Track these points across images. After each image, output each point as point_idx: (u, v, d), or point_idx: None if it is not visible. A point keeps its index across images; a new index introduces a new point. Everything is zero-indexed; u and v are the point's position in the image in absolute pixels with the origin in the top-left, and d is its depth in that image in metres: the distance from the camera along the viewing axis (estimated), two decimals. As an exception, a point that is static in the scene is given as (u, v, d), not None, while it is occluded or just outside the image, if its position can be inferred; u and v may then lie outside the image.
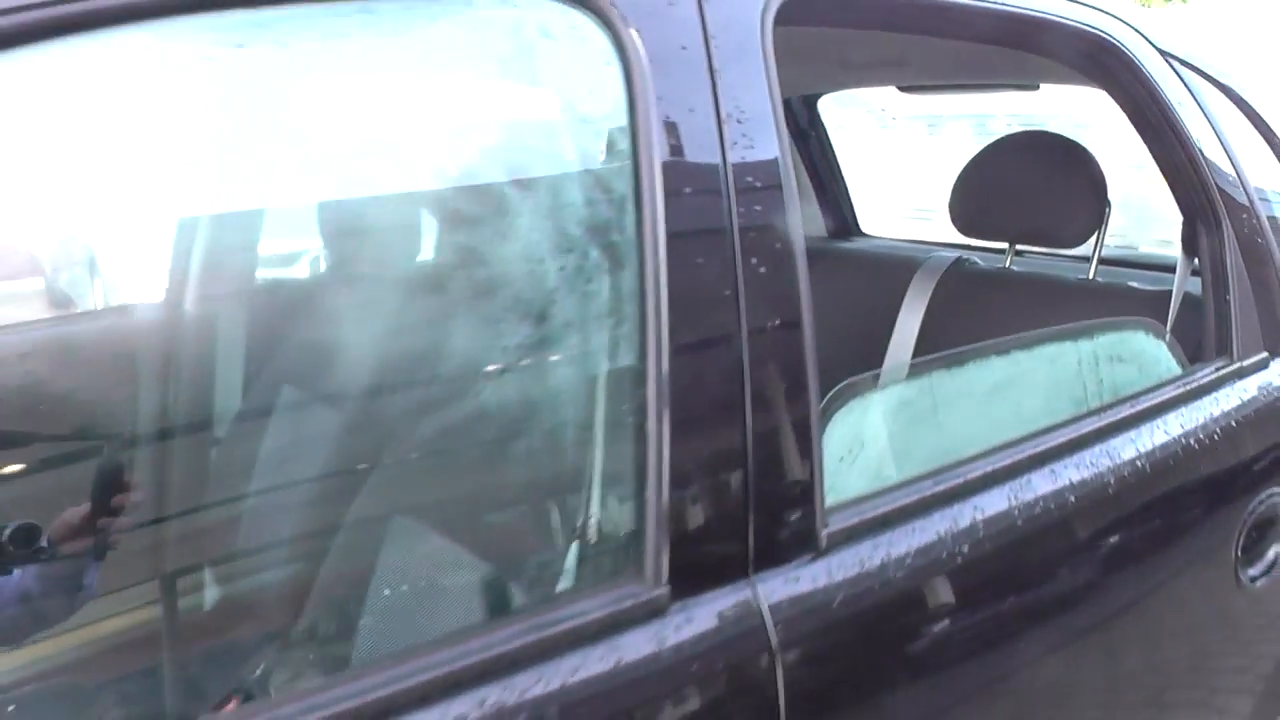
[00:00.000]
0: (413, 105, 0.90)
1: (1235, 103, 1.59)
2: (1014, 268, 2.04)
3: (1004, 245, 2.02)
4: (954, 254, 2.13)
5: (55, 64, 0.68)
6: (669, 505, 0.82)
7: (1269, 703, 1.42)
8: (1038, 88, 2.12)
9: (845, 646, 0.91)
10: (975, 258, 2.12)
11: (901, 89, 2.34)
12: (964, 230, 1.96)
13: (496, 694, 0.74)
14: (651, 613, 0.81)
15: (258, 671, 0.86)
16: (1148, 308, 1.59)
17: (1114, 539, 1.18)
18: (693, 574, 0.83)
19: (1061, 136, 1.81)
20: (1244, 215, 1.48)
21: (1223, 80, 1.57)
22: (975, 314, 1.95)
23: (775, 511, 0.88)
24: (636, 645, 0.79)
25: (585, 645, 0.78)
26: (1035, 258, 2.15)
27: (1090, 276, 1.88)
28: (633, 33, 0.85)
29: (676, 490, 0.82)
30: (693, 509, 0.83)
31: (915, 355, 1.96)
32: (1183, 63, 1.49)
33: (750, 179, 0.90)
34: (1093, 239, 1.84)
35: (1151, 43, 1.44)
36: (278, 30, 0.78)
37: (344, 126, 0.88)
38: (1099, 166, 1.76)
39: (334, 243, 1.05)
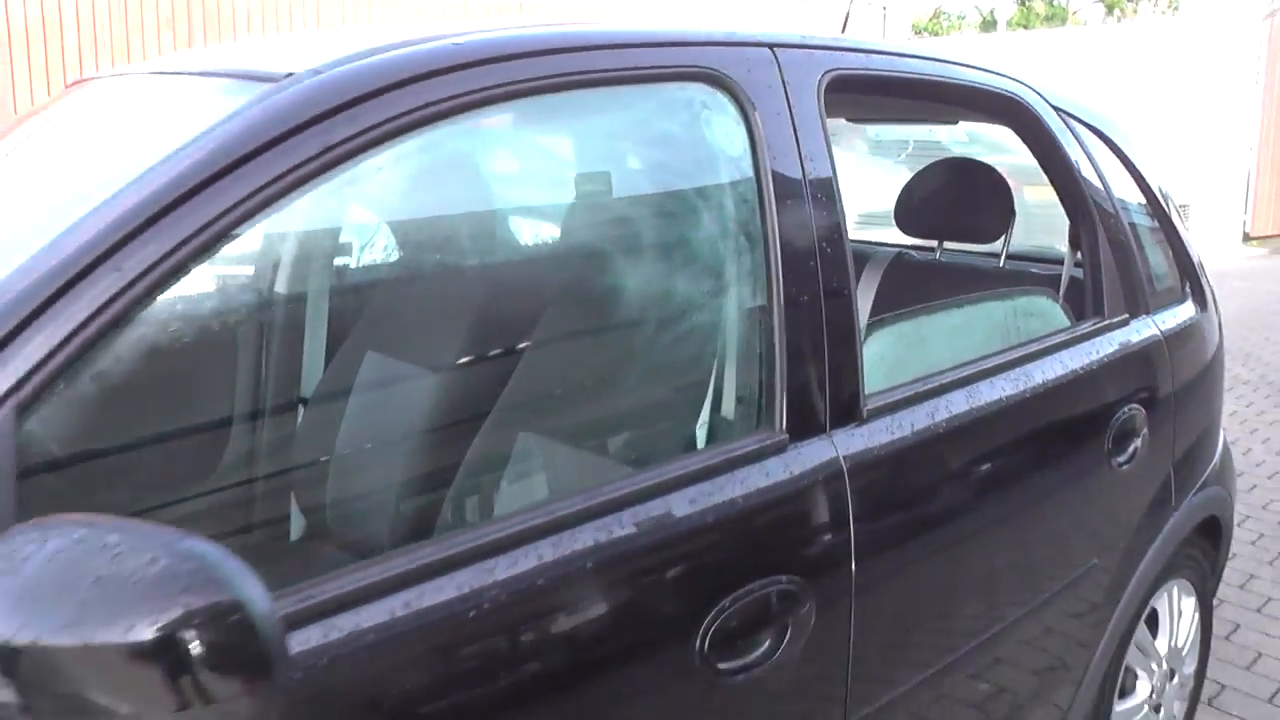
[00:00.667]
0: (637, 144, 1.47)
1: (1102, 139, 2.24)
2: (942, 259, 2.67)
3: (934, 243, 2.65)
4: (895, 250, 2.76)
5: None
6: (786, 390, 1.39)
7: (1131, 555, 2.06)
8: (956, 123, 2.76)
9: (881, 475, 1.49)
10: (912, 253, 2.75)
11: (850, 120, 2.97)
12: (904, 231, 2.57)
13: (704, 490, 1.29)
14: (779, 448, 1.37)
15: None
16: (1042, 286, 2.23)
17: (1030, 430, 1.80)
18: (798, 428, 1.40)
19: (979, 161, 2.43)
20: (1111, 220, 2.13)
21: (1093, 123, 2.22)
22: (913, 295, 2.57)
23: (840, 394, 1.46)
24: (774, 468, 1.36)
25: (748, 464, 1.34)
26: (958, 253, 2.78)
27: (1000, 265, 2.52)
28: (752, 103, 1.42)
29: (790, 381, 1.39)
30: (799, 392, 1.40)
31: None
32: (1068, 114, 2.13)
33: (817, 191, 1.48)
34: (1002, 238, 2.47)
35: (1046, 100, 2.08)
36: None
37: (613, 162, 1.44)
38: (1007, 184, 2.39)
39: (625, 230, 1.58)
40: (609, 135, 1.49)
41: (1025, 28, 32.21)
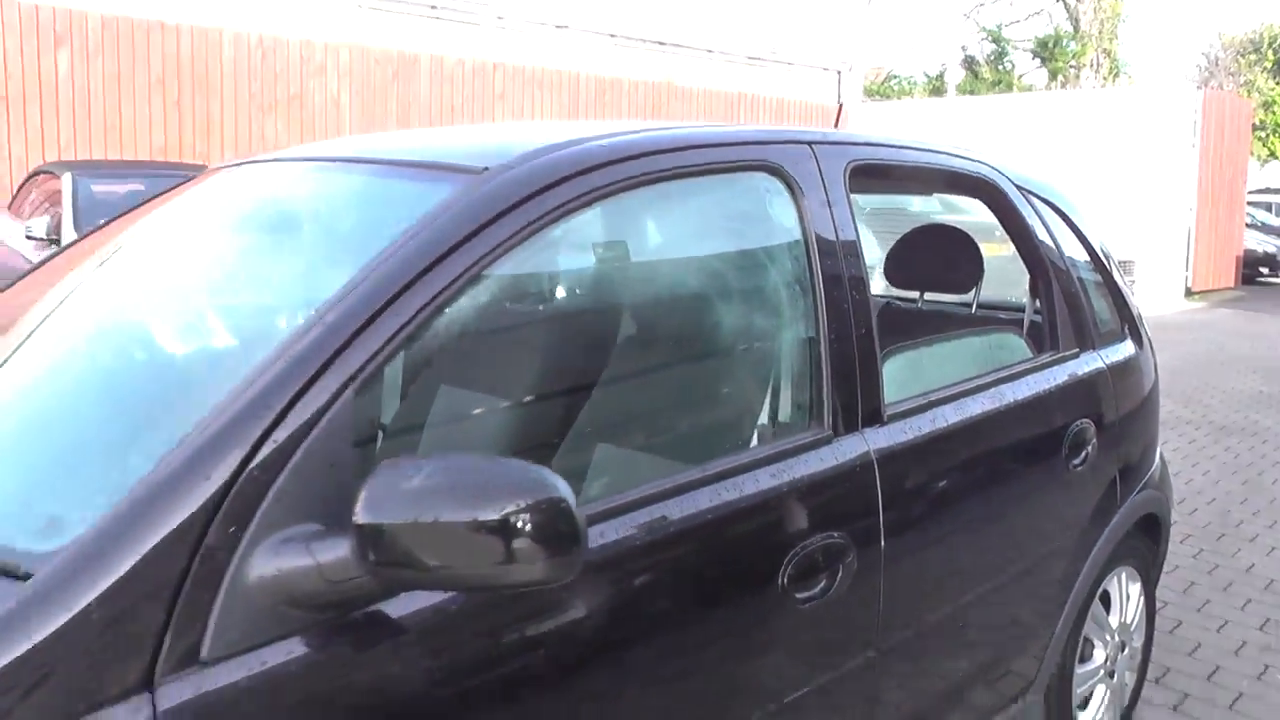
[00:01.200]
0: (722, 218, 1.97)
1: (1054, 209, 2.78)
2: (922, 307, 3.19)
3: (915, 294, 3.18)
4: (884, 299, 3.28)
5: None
6: (830, 398, 1.88)
7: (1086, 540, 2.57)
8: (931, 194, 3.30)
9: (899, 464, 1.99)
10: (898, 301, 3.27)
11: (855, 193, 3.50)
12: (892, 284, 3.10)
13: (780, 469, 1.77)
14: (828, 441, 1.87)
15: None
16: (1008, 326, 2.76)
17: (1004, 436, 2.31)
18: (839, 427, 1.89)
19: (955, 227, 2.96)
20: (1063, 275, 2.66)
21: (1047, 197, 2.76)
22: (898, 335, 3.09)
23: (868, 403, 1.95)
24: (825, 455, 1.85)
25: (807, 451, 1.82)
26: (934, 302, 3.31)
27: (973, 311, 3.04)
28: (799, 187, 1.94)
29: (833, 392, 1.89)
30: (839, 401, 1.90)
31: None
32: (1028, 190, 2.67)
33: (846, 252, 1.99)
34: (973, 290, 2.99)
35: (1010, 179, 2.62)
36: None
37: (706, 231, 1.94)
38: (978, 246, 2.91)
39: (715, 281, 2.06)
40: (705, 210, 2.00)
41: (973, 93, 33.55)
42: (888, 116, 20.11)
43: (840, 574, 1.81)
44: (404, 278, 1.37)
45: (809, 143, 2.03)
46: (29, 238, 7.26)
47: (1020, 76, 38.30)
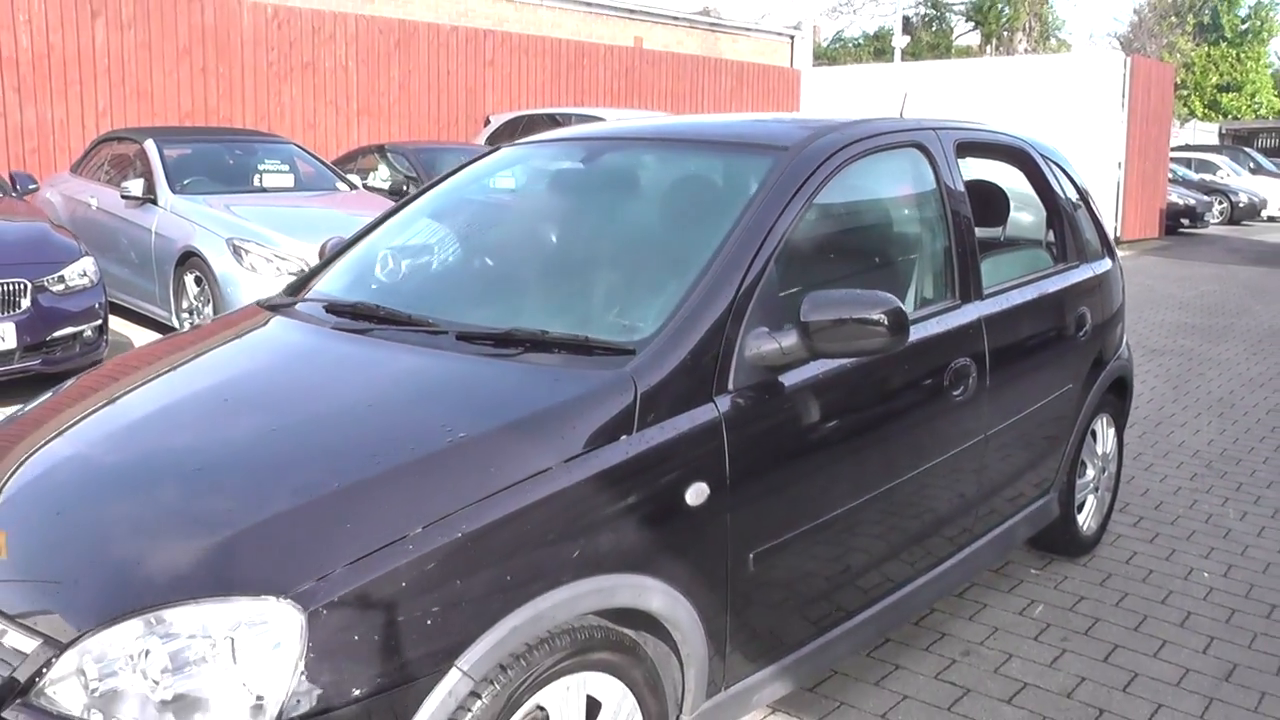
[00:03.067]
0: (895, 178, 3.24)
1: (1059, 168, 4.10)
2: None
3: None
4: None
5: None
6: (956, 280, 3.18)
7: (1086, 388, 3.91)
8: (995, 160, 4.58)
9: (995, 326, 3.28)
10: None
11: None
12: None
13: (938, 320, 3.06)
14: (956, 306, 3.16)
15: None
16: (1038, 246, 4.08)
17: (1043, 313, 3.63)
18: (960, 297, 3.18)
19: (989, 181, 4.25)
20: (1070, 213, 3.99)
21: (1055, 159, 4.08)
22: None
23: (975, 284, 3.26)
24: (957, 315, 3.14)
25: (947, 312, 3.12)
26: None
27: (1001, 239, 4.36)
28: (932, 157, 3.22)
29: (958, 276, 3.18)
30: (961, 281, 3.19)
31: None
32: (1043, 154, 3.99)
33: (958, 195, 3.27)
34: (1002, 225, 4.30)
35: (1035, 147, 3.94)
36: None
37: (893, 187, 3.22)
38: (1006, 195, 4.20)
39: (911, 213, 3.33)
40: (891, 170, 3.21)
41: (914, 55, 35.08)
42: (836, 80, 21.37)
43: (971, 382, 3.11)
44: (776, 209, 2.63)
45: (934, 129, 3.31)
46: (126, 197, 8.24)
47: (956, 39, 39.89)
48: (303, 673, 1.72)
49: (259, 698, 1.71)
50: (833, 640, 2.76)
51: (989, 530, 3.43)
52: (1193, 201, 20.79)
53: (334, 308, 2.90)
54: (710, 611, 2.30)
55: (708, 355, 2.33)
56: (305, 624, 1.72)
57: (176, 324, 7.75)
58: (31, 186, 8.02)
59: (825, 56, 37.30)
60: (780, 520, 2.47)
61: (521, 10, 20.11)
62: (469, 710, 1.86)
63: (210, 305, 7.39)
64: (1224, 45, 40.30)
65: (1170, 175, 20.70)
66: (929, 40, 38.72)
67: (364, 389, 2.33)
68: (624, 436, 2.15)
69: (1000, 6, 38.33)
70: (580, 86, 17.53)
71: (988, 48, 39.28)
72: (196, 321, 7.55)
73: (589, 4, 21.35)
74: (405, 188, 10.64)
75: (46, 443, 2.38)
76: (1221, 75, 40.03)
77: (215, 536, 1.86)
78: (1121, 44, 40.86)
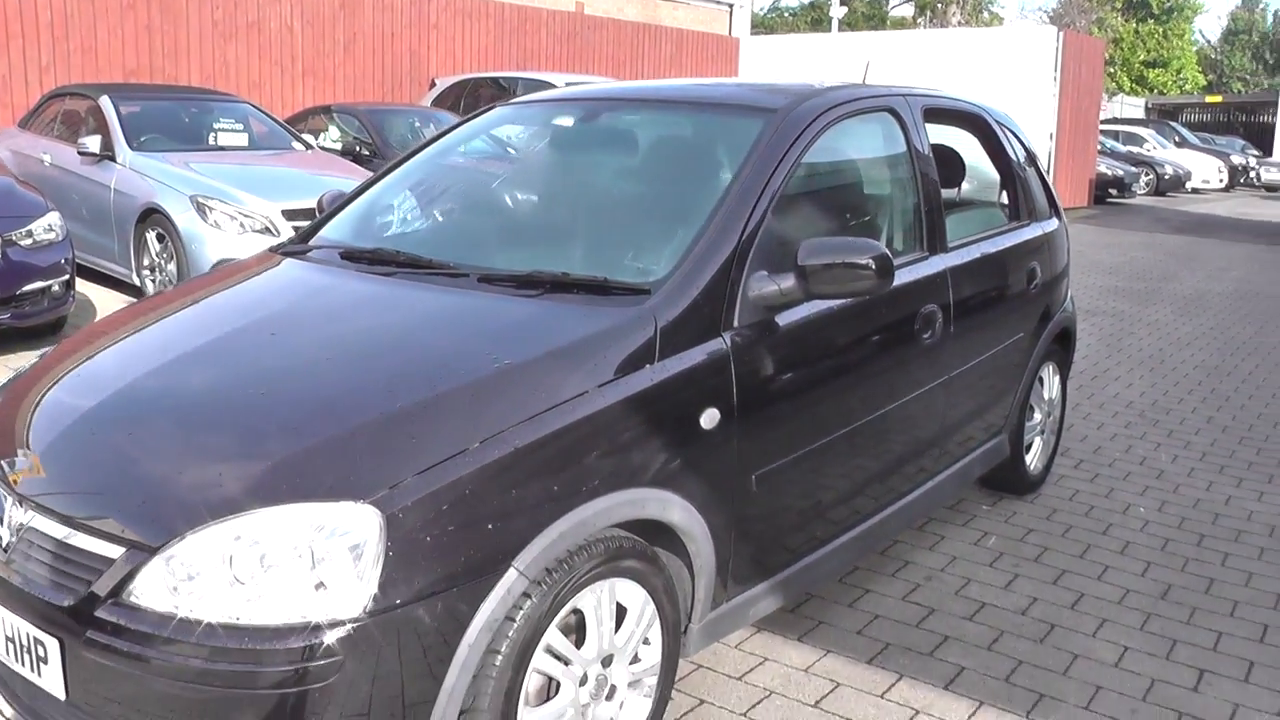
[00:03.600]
0: (866, 138, 3.49)
1: (1011, 133, 4.40)
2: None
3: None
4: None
5: None
6: (925, 234, 3.45)
7: (1035, 338, 4.22)
8: (957, 126, 4.86)
9: (958, 276, 3.56)
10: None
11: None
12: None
13: (912, 270, 3.33)
14: (925, 259, 3.43)
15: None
16: (994, 205, 4.37)
17: (997, 266, 3.93)
18: (929, 250, 3.46)
19: (948, 147, 4.53)
20: (1022, 175, 4.29)
21: (1008, 125, 4.37)
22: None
23: (940, 238, 3.53)
24: (926, 266, 3.42)
25: (917, 264, 3.39)
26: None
27: (957, 199, 4.65)
28: (903, 120, 3.48)
29: (927, 233, 3.45)
30: (930, 236, 3.46)
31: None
32: (998, 120, 4.28)
33: (925, 156, 3.54)
34: (958, 186, 4.58)
35: (990, 113, 4.22)
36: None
37: (863, 146, 3.47)
38: (962, 158, 4.48)
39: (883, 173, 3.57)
40: (868, 131, 3.45)
41: (851, 26, 35.48)
42: (774, 49, 21.64)
43: (937, 327, 3.38)
44: (769, 166, 2.87)
45: (903, 95, 3.57)
46: (83, 153, 8.22)
47: (891, 8, 40.35)
48: (380, 571, 1.93)
49: (339, 596, 1.92)
50: (818, 560, 3.03)
51: (949, 465, 3.73)
52: (1121, 172, 21.47)
53: (350, 254, 3.08)
54: (719, 527, 2.55)
55: (716, 295, 2.57)
56: (383, 525, 1.93)
57: (137, 281, 7.79)
58: (-14, 143, 7.96)
59: (762, 25, 37.56)
60: (777, 445, 2.72)
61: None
62: (521, 608, 2.09)
63: (173, 262, 7.44)
64: (1151, 22, 41.33)
65: (1099, 147, 21.34)
66: (864, 11, 39.14)
67: (404, 322, 2.54)
68: (647, 365, 2.38)
69: (935, -23, 38.84)
70: (524, 51, 17.55)
71: (921, 20, 39.81)
72: (159, 279, 7.60)
73: (533, -32, 21.29)
74: (357, 148, 10.70)
75: (98, 375, 2.55)
76: (1149, 51, 41.07)
77: (292, 450, 2.06)
78: (1051, 18, 41.66)
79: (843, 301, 2.87)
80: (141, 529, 2.02)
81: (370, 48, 15.22)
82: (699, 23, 24.90)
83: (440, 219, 3.41)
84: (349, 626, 1.91)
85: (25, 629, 2.12)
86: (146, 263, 7.70)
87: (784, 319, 2.75)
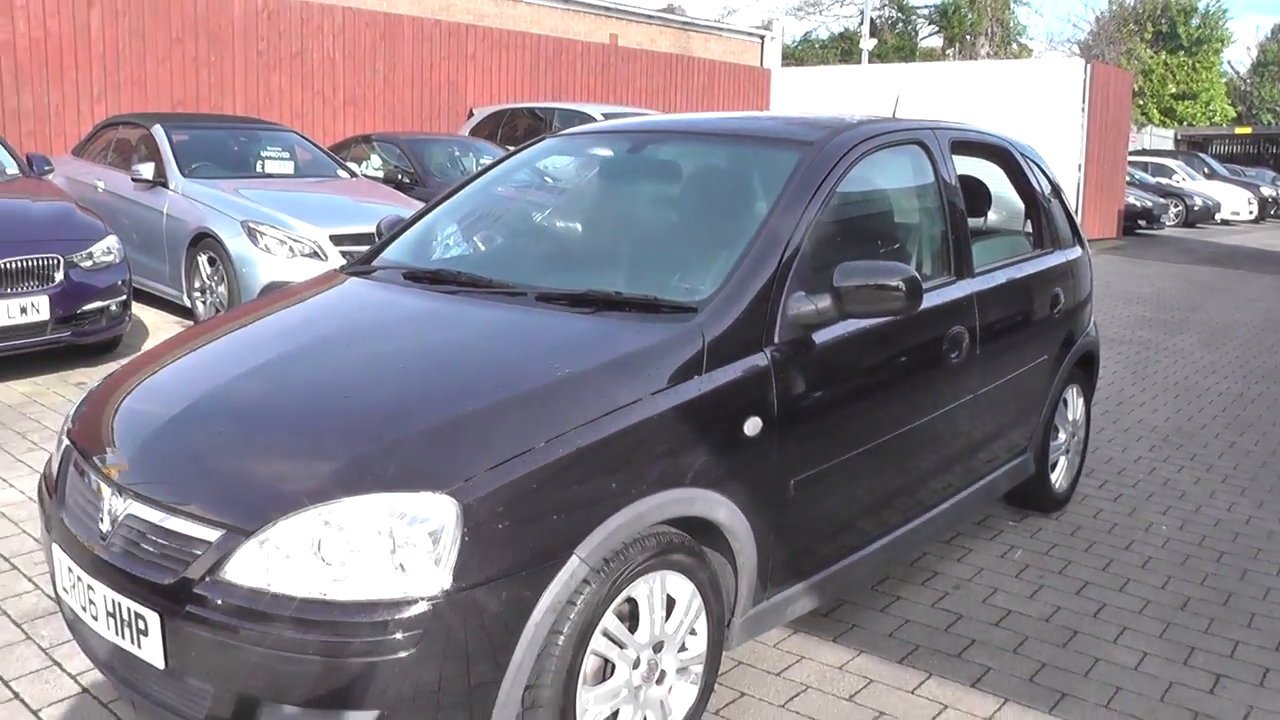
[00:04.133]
0: (898, 171, 3.70)
1: (1036, 166, 4.59)
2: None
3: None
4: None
5: None
6: (952, 261, 3.64)
7: (1058, 362, 4.40)
8: (982, 158, 5.06)
9: (984, 300, 3.74)
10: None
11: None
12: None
13: (940, 294, 3.52)
14: (952, 282, 3.62)
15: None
16: (1018, 234, 4.56)
17: (1023, 292, 4.11)
18: (955, 273, 3.64)
19: (975, 177, 4.72)
20: (1045, 205, 4.48)
21: (1033, 158, 4.57)
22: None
23: (967, 263, 3.72)
24: (954, 290, 3.60)
25: (945, 287, 3.58)
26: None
27: (984, 227, 4.84)
28: (930, 152, 3.68)
29: (954, 259, 3.64)
30: (956, 261, 3.65)
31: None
32: (1023, 153, 4.48)
33: (953, 187, 3.74)
34: (984, 215, 4.77)
35: (1016, 147, 4.42)
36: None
37: (895, 179, 3.68)
38: (989, 189, 4.67)
39: (911, 204, 3.77)
40: (900, 162, 3.66)
41: (880, 58, 35.78)
42: (805, 81, 21.90)
43: (964, 348, 3.57)
44: (806, 195, 3.08)
45: (932, 129, 3.78)
46: (136, 180, 8.54)
47: (922, 40, 40.63)
48: (456, 556, 2.13)
49: (418, 577, 2.12)
50: (850, 565, 3.21)
51: (977, 480, 3.90)
52: (1149, 204, 21.55)
53: (413, 274, 3.30)
54: (760, 528, 2.74)
55: (759, 313, 2.77)
56: (459, 514, 2.14)
57: (188, 303, 8.07)
58: (47, 168, 8.29)
59: (792, 56, 37.88)
60: (814, 454, 2.92)
61: (501, 6, 20.49)
62: (581, 593, 2.29)
63: (223, 284, 7.72)
64: (1180, 54, 41.41)
65: (1128, 178, 21.44)
66: (894, 43, 39.43)
67: (472, 335, 2.76)
68: (696, 376, 2.59)
69: (964, 11, 39.11)
70: (558, 81, 17.90)
71: (951, 52, 40.06)
72: (209, 300, 7.88)
73: (566, 1, 21.74)
74: (399, 176, 11.00)
75: (189, 379, 2.78)
76: (1178, 83, 41.12)
77: (375, 445, 2.28)
78: (1081, 50, 41.81)
79: (875, 322, 3.06)
80: (238, 515, 2.24)
81: (409, 78, 15.60)
82: (731, 54, 25.29)
83: (496, 243, 3.65)
84: (427, 605, 2.11)
85: (126, 604, 2.33)
86: (197, 285, 7.98)
87: (820, 337, 2.94)
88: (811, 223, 3.03)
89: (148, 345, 7.37)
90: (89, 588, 2.44)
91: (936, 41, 41.39)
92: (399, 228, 3.83)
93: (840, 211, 3.31)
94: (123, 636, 2.37)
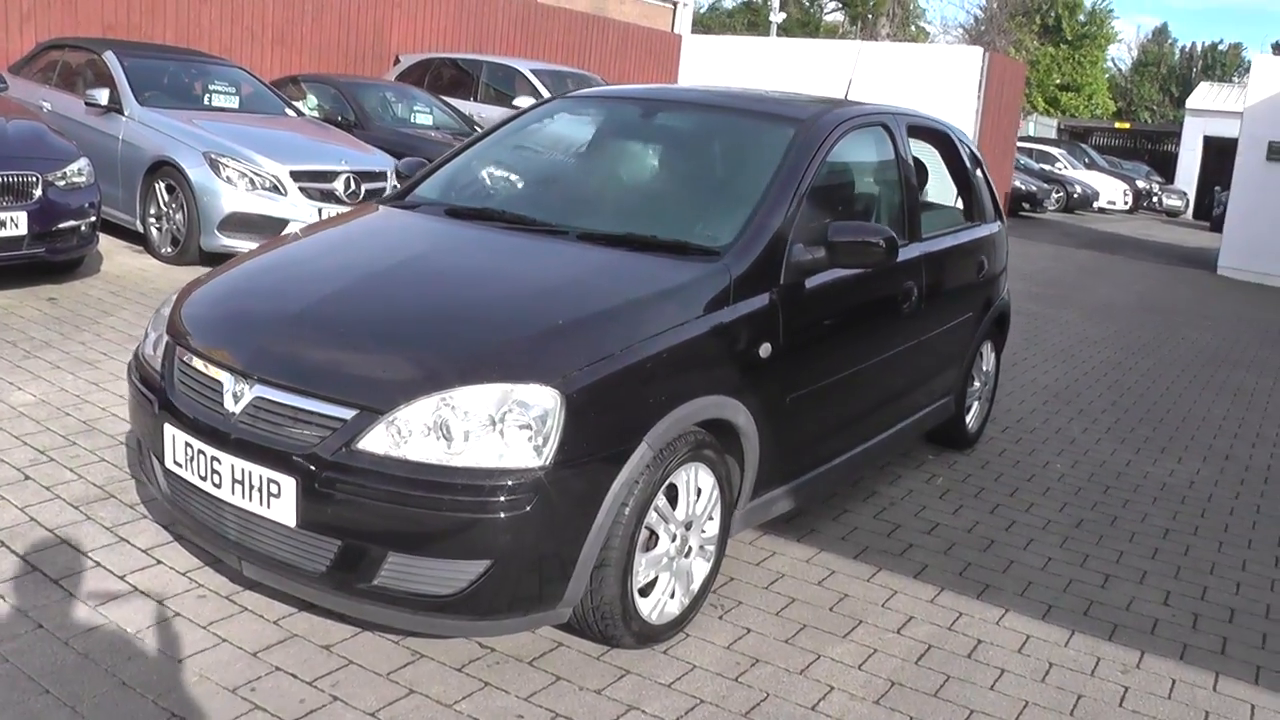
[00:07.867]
0: (864, 146, 4.33)
1: (968, 149, 5.28)
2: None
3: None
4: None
5: None
6: (908, 226, 4.29)
7: (980, 319, 5.12)
8: (929, 141, 5.73)
9: (928, 259, 4.41)
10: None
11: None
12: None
13: (909, 251, 4.16)
14: (907, 246, 4.27)
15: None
16: (953, 208, 5.26)
17: (957, 257, 4.81)
18: (909, 237, 4.30)
19: (916, 157, 5.38)
20: (973, 185, 5.19)
21: (966, 142, 5.27)
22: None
23: (917, 229, 4.38)
24: (908, 250, 4.26)
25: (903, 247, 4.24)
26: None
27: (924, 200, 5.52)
28: (894, 134, 4.33)
29: (909, 226, 4.30)
30: (911, 226, 4.31)
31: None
32: (958, 137, 5.17)
33: (909, 165, 4.39)
34: (922, 189, 5.45)
35: (952, 131, 5.11)
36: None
37: (863, 153, 4.30)
38: (925, 166, 5.33)
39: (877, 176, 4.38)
40: (870, 140, 4.28)
41: (785, 31, 36.61)
42: (715, 49, 22.44)
43: (914, 301, 4.23)
44: (803, 162, 3.68)
45: (893, 114, 4.42)
46: (90, 104, 8.64)
47: (827, 15, 41.61)
48: (559, 436, 2.68)
49: (525, 453, 2.66)
50: (818, 475, 3.85)
51: (914, 414, 4.60)
52: (1034, 188, 22.86)
53: (455, 210, 3.80)
54: (765, 433, 3.35)
55: (771, 259, 3.37)
56: (561, 402, 2.69)
57: (140, 229, 8.26)
58: (3, 85, 8.34)
59: (700, 24, 38.44)
60: (805, 377, 3.55)
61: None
62: (644, 474, 2.86)
63: (181, 212, 7.94)
64: (1065, 47, 43.37)
65: (1014, 163, 22.69)
66: (799, 16, 40.33)
67: (541, 261, 3.31)
68: (726, 306, 3.18)
69: (868, -10, 40.18)
70: (481, 33, 18.13)
71: (852, 29, 41.15)
72: (165, 227, 8.08)
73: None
74: (339, 118, 11.23)
75: (302, 281, 3.27)
76: (1063, 75, 43.10)
77: (490, 342, 2.82)
78: (970, 36, 43.41)
79: (848, 272, 3.68)
80: (372, 397, 2.72)
81: (336, 20, 15.66)
82: (644, 18, 25.66)
83: (525, 188, 4.16)
84: (531, 477, 2.65)
85: (259, 472, 2.78)
86: (153, 212, 8.18)
87: (810, 282, 3.55)
88: (808, 186, 3.63)
89: (104, 268, 7.61)
90: (214, 459, 2.87)
91: (839, 17, 42.46)
92: (424, 171, 4.30)
93: (826, 179, 3.93)
94: (250, 500, 2.81)
